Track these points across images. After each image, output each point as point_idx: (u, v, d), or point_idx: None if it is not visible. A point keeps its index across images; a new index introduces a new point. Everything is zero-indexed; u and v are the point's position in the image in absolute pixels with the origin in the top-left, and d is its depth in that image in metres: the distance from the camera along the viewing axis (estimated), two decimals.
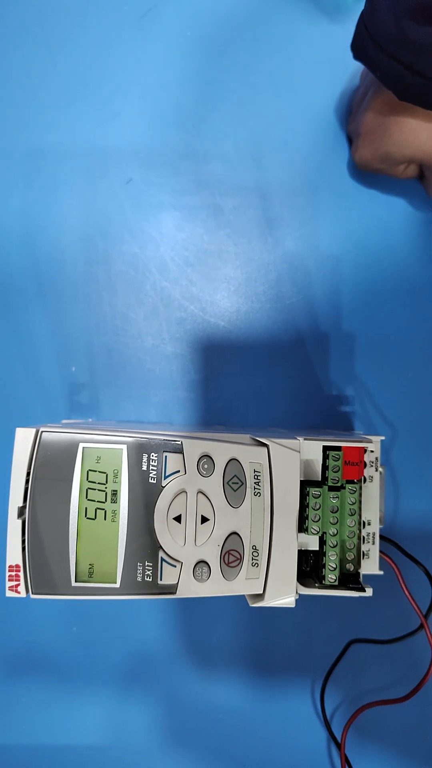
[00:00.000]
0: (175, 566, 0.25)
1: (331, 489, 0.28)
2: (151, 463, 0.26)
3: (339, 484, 0.28)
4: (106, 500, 0.25)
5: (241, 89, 0.43)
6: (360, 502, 0.29)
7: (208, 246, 0.43)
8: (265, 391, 0.42)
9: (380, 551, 0.31)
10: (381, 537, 0.31)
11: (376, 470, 0.31)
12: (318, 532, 0.27)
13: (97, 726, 0.41)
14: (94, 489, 0.25)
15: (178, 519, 0.25)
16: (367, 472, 0.30)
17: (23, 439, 0.25)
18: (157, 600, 0.40)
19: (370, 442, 0.29)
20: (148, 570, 0.25)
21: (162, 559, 0.25)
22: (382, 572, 0.30)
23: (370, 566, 0.30)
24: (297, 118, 0.43)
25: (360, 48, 0.34)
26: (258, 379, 0.42)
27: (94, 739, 0.40)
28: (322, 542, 0.28)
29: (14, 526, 0.25)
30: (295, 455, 0.26)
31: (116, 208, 0.43)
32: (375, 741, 0.40)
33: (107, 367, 0.42)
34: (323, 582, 0.27)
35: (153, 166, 0.43)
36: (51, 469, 0.25)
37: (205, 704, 0.40)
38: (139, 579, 0.25)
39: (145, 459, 0.26)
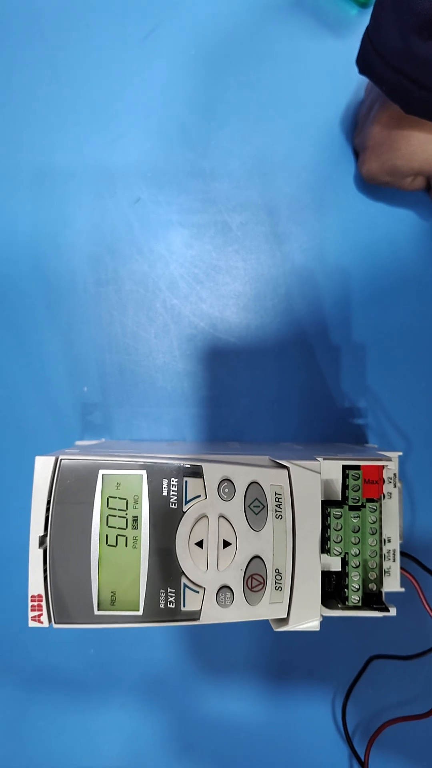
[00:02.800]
0: (198, 592, 0.25)
1: (352, 508, 0.28)
2: (171, 488, 0.25)
3: (359, 503, 0.28)
4: (127, 527, 0.25)
5: (245, 106, 0.43)
6: (380, 520, 0.28)
7: (217, 263, 0.43)
8: (278, 405, 0.42)
9: (401, 567, 0.30)
10: (401, 553, 0.31)
11: (395, 486, 0.31)
12: (340, 553, 0.27)
13: (116, 747, 0.40)
14: (115, 516, 0.25)
15: (200, 544, 0.25)
16: (386, 488, 0.30)
17: (42, 467, 0.25)
18: None
19: (389, 459, 0.29)
20: (171, 596, 0.25)
21: (185, 585, 0.25)
22: (403, 589, 0.30)
23: (392, 584, 0.30)
24: (302, 133, 0.43)
25: (365, 63, 0.34)
26: (270, 394, 0.42)
27: (113, 760, 0.40)
28: (344, 563, 0.28)
29: (35, 555, 0.25)
30: (316, 477, 0.26)
31: (125, 228, 0.43)
32: (398, 757, 0.39)
33: (119, 386, 0.42)
34: (346, 603, 0.27)
35: (160, 185, 0.43)
36: (71, 496, 0.25)
37: (224, 723, 0.40)
38: (161, 606, 0.25)
39: (165, 484, 0.26)
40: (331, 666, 0.40)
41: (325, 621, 0.27)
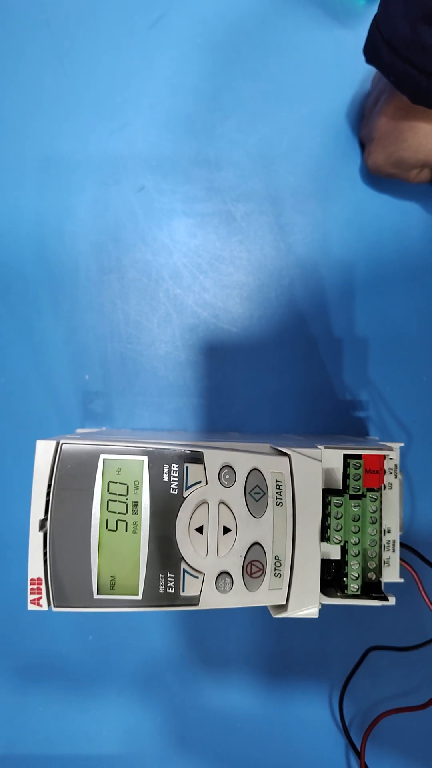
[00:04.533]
0: (197, 577, 0.25)
1: (352, 497, 0.28)
2: (172, 474, 0.25)
3: (360, 493, 0.28)
4: (127, 512, 0.25)
5: (251, 96, 0.43)
6: (381, 510, 0.28)
7: (221, 253, 0.43)
8: (279, 396, 0.42)
9: (400, 558, 0.30)
10: (400, 544, 0.31)
11: (396, 477, 0.31)
12: (340, 542, 0.27)
13: (114, 735, 0.40)
14: (115, 500, 0.25)
15: (200, 530, 0.25)
16: (387, 479, 0.30)
17: (44, 451, 0.25)
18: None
19: (390, 449, 0.29)
20: (170, 581, 0.25)
21: (184, 571, 0.25)
22: (402, 580, 0.30)
23: (391, 574, 0.30)
24: (308, 124, 0.43)
25: (373, 52, 0.33)
26: (271, 385, 0.42)
27: (110, 748, 0.40)
28: (344, 551, 0.28)
29: (36, 538, 0.25)
30: (317, 464, 0.26)
31: (129, 216, 0.43)
32: (394, 748, 0.39)
33: (121, 374, 0.42)
34: (345, 591, 0.27)
35: (165, 174, 0.43)
36: (72, 481, 0.25)
37: (221, 712, 0.40)
38: (161, 591, 0.25)
39: (166, 470, 0.26)
40: (329, 657, 0.40)
41: (324, 612, 0.27)
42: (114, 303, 0.42)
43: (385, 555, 0.30)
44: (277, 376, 0.42)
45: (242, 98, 0.43)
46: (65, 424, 0.42)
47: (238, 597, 0.25)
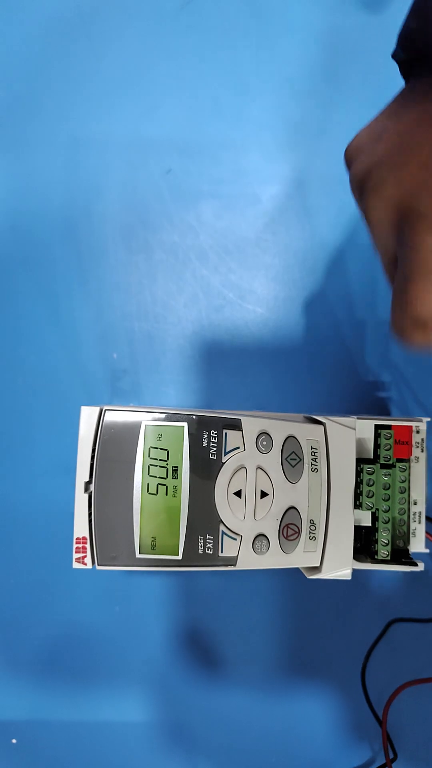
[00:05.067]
0: (235, 539, 0.26)
1: (383, 467, 0.28)
2: (211, 439, 0.26)
3: (390, 462, 0.28)
4: (167, 476, 0.26)
5: (277, 79, 0.44)
6: (409, 480, 0.29)
7: (247, 234, 0.44)
8: (303, 376, 0.43)
9: (426, 532, 0.31)
10: (427, 518, 0.32)
11: (422, 451, 0.32)
12: (372, 508, 0.28)
13: (142, 703, 0.41)
14: (156, 465, 0.26)
15: (238, 494, 0.26)
16: (414, 452, 0.31)
17: (88, 417, 0.26)
18: (196, 581, 0.41)
19: (420, 421, 0.29)
20: (209, 543, 0.26)
21: (222, 533, 0.26)
22: (428, 550, 0.31)
23: (417, 545, 0.31)
24: (334, 108, 0.43)
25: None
26: (295, 365, 0.43)
27: (138, 715, 0.41)
28: (374, 518, 0.28)
29: (81, 500, 0.26)
30: (351, 432, 0.27)
31: (156, 198, 0.43)
32: (416, 719, 0.40)
33: (148, 353, 0.43)
34: (375, 557, 0.28)
35: (192, 156, 0.44)
36: (114, 446, 0.26)
37: (247, 680, 0.41)
38: (200, 551, 0.26)
39: (205, 436, 0.26)
40: (352, 629, 0.41)
41: (345, 584, 0.27)
42: (141, 283, 0.43)
43: (411, 526, 0.31)
44: (302, 357, 0.43)
45: (269, 81, 0.44)
46: (93, 401, 0.43)
47: (275, 558, 0.26)
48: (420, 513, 0.31)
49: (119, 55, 0.44)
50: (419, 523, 0.31)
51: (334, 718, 0.41)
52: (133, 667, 0.42)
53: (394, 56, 0.22)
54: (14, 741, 0.41)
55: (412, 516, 0.31)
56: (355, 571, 0.28)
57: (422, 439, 0.32)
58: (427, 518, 0.33)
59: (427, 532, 0.32)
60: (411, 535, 0.31)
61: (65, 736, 0.41)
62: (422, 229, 0.19)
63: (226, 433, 0.26)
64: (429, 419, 0.32)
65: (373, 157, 0.21)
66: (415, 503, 0.31)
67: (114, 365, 0.43)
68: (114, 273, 0.43)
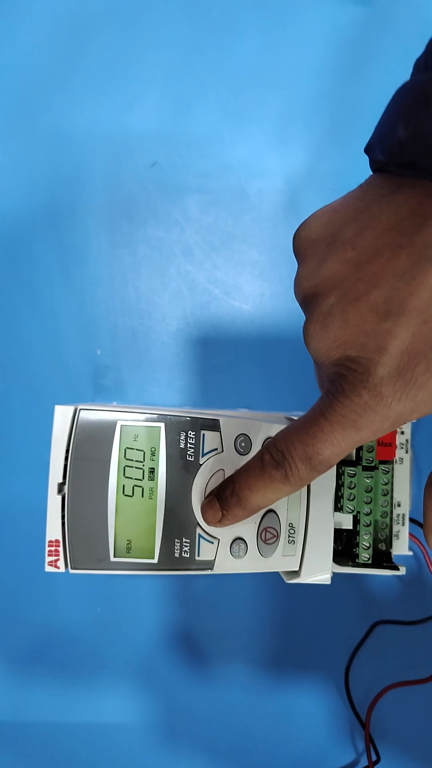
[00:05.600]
0: (212, 542, 0.25)
1: (365, 469, 0.28)
2: (188, 441, 0.26)
3: (373, 464, 0.28)
4: (143, 478, 0.26)
5: (266, 70, 0.43)
6: (392, 482, 0.29)
7: (233, 230, 0.43)
8: (290, 374, 0.42)
9: (409, 533, 0.31)
10: (410, 519, 0.31)
11: (406, 452, 0.31)
12: (353, 511, 0.27)
13: (121, 704, 0.41)
14: (132, 467, 0.26)
15: None
16: (398, 453, 0.31)
17: (62, 416, 0.26)
18: (182, 582, 0.41)
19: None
20: (186, 546, 0.25)
21: (199, 536, 0.25)
22: (411, 553, 0.31)
23: (400, 547, 0.30)
24: (323, 102, 0.43)
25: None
26: (282, 363, 0.42)
27: (117, 717, 0.41)
28: (356, 521, 0.28)
29: (54, 501, 0.25)
30: None
31: (141, 191, 0.43)
32: (398, 721, 0.40)
33: (132, 350, 0.42)
34: (357, 561, 0.28)
35: (178, 149, 0.43)
36: (89, 446, 0.25)
37: (229, 682, 0.41)
38: (176, 555, 0.25)
39: (182, 437, 0.26)
40: (336, 631, 0.41)
41: (331, 586, 0.27)
42: (125, 278, 0.43)
43: (395, 528, 0.30)
44: (288, 354, 0.42)
45: (257, 73, 0.43)
46: (76, 399, 0.42)
47: (252, 562, 0.26)
48: (404, 515, 0.31)
49: (104, 44, 0.43)
50: (402, 525, 0.31)
51: (318, 719, 0.40)
52: (114, 667, 0.41)
53: (369, 154, 0.20)
54: None
55: (395, 518, 0.30)
56: (338, 574, 0.28)
57: (407, 440, 0.31)
58: (411, 520, 0.32)
59: (410, 534, 0.31)
60: (394, 538, 0.30)
61: (45, 735, 0.41)
62: (358, 383, 0.18)
63: (203, 434, 0.26)
64: (413, 420, 0.32)
65: (321, 268, 0.19)
66: (399, 505, 0.31)
67: (97, 362, 0.42)
68: (97, 267, 0.42)
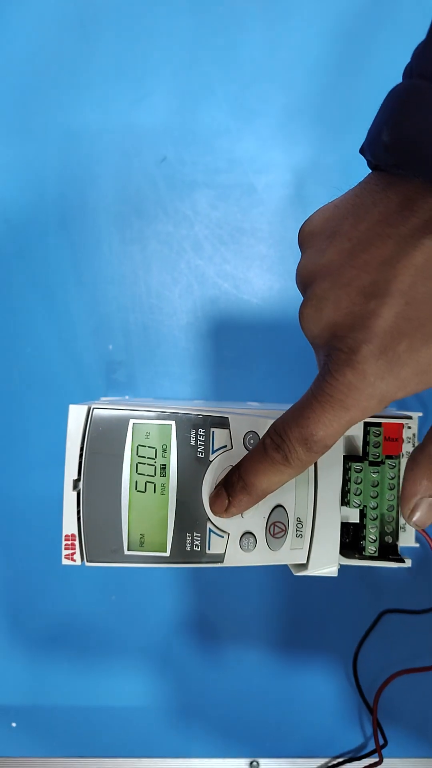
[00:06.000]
0: (222, 537, 0.26)
1: (372, 464, 0.28)
2: (199, 438, 0.26)
3: (379, 459, 0.28)
4: (155, 474, 0.26)
5: (273, 65, 0.43)
6: (399, 476, 0.29)
7: (242, 224, 0.43)
8: (298, 367, 0.43)
9: None
10: None
11: (413, 446, 0.32)
12: (359, 506, 0.28)
13: (136, 689, 0.42)
14: (144, 463, 0.26)
15: None
16: (405, 447, 0.31)
17: (76, 415, 0.26)
18: (194, 572, 0.42)
19: (409, 418, 0.29)
20: (197, 540, 0.26)
21: (210, 530, 0.26)
22: (418, 545, 0.31)
23: (407, 539, 0.31)
24: (329, 95, 0.43)
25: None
26: (291, 356, 0.43)
27: (132, 701, 0.42)
28: (363, 515, 0.29)
29: (70, 497, 0.26)
30: None
31: (150, 187, 0.43)
32: (405, 707, 0.41)
33: (143, 345, 0.43)
34: (363, 553, 0.28)
35: (186, 145, 0.43)
36: (103, 444, 0.26)
37: (239, 669, 0.42)
38: (188, 548, 0.26)
39: (193, 434, 0.26)
40: (344, 619, 0.42)
41: (340, 576, 0.28)
42: (136, 274, 0.43)
43: (401, 521, 0.31)
44: (297, 347, 0.43)
45: (264, 67, 0.43)
46: (89, 394, 0.43)
47: (261, 555, 0.26)
48: None
49: (112, 41, 0.43)
50: None
51: (327, 704, 0.42)
52: (130, 653, 0.42)
53: (363, 156, 0.21)
54: (14, 725, 0.42)
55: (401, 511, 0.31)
56: (346, 565, 0.28)
57: (414, 434, 0.32)
58: None
59: None
60: (400, 530, 0.31)
61: (64, 719, 0.42)
62: (343, 363, 0.19)
63: (213, 432, 0.26)
64: (420, 414, 0.32)
65: (321, 258, 0.21)
66: None
67: (109, 357, 0.43)
68: (108, 264, 0.43)
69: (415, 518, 0.23)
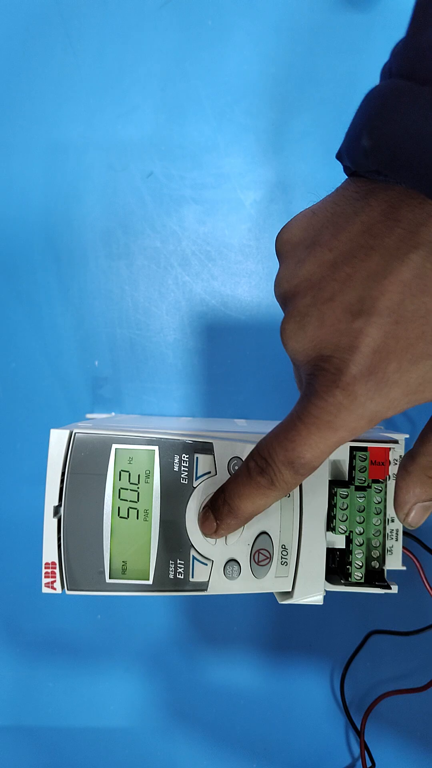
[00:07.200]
0: (206, 564, 0.26)
1: (358, 489, 0.28)
2: (182, 464, 0.26)
3: (365, 484, 0.28)
4: (138, 500, 0.26)
5: (261, 80, 0.43)
6: (385, 500, 0.29)
7: (230, 240, 0.43)
8: (286, 384, 0.43)
9: (403, 546, 0.31)
10: (403, 533, 0.32)
11: None
12: (345, 532, 0.28)
13: (120, 709, 0.42)
14: (127, 489, 0.26)
15: None
16: (392, 470, 0.31)
17: (57, 440, 0.26)
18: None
19: (395, 442, 0.29)
20: (180, 567, 0.26)
21: (193, 558, 0.26)
22: (405, 568, 0.31)
23: (394, 562, 0.31)
24: (319, 110, 0.43)
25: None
26: (279, 373, 0.43)
27: (118, 720, 0.42)
28: (349, 541, 0.28)
29: (50, 524, 0.25)
30: None
31: (137, 202, 0.43)
32: (393, 729, 0.41)
33: (130, 361, 0.43)
34: (349, 579, 0.28)
35: (174, 159, 0.43)
36: (85, 469, 0.26)
37: (225, 690, 0.41)
38: (171, 576, 0.26)
39: (176, 460, 0.26)
40: (332, 640, 0.41)
41: (327, 596, 0.27)
42: (123, 289, 0.43)
43: (388, 543, 0.31)
44: (285, 365, 0.42)
45: (252, 82, 0.43)
46: (75, 409, 0.42)
47: (246, 583, 0.26)
48: (397, 530, 0.31)
49: (99, 54, 0.43)
50: (396, 540, 0.31)
51: (314, 725, 0.41)
52: (115, 672, 0.42)
53: (341, 161, 0.20)
54: None
55: (388, 534, 0.31)
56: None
57: (400, 456, 0.31)
58: (405, 533, 0.33)
59: (404, 547, 0.31)
60: (387, 553, 0.30)
61: (49, 738, 0.41)
62: (330, 383, 0.19)
63: (197, 458, 0.26)
64: (407, 436, 0.32)
65: (300, 269, 0.20)
66: (392, 520, 0.31)
67: (95, 373, 0.43)
68: (95, 279, 0.43)
69: (409, 519, 0.23)
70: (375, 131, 0.17)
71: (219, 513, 0.24)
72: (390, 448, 0.29)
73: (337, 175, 0.42)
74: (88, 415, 0.41)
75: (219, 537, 0.25)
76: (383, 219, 0.18)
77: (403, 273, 0.17)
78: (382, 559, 0.29)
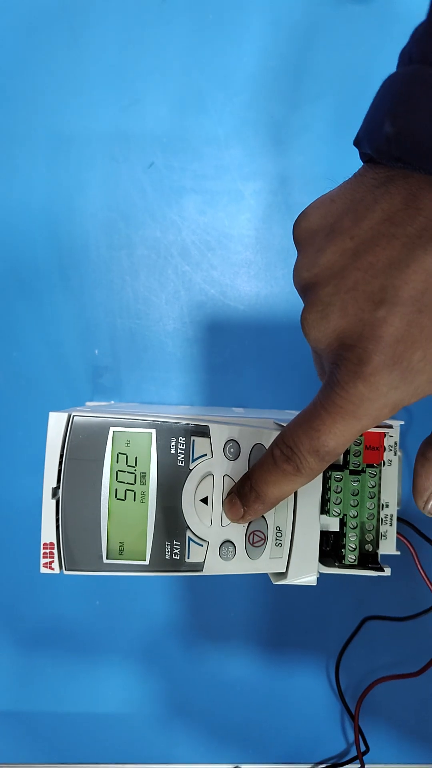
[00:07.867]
0: (201, 545, 0.26)
1: (352, 473, 0.29)
2: (179, 446, 0.27)
3: (360, 468, 0.29)
4: (135, 482, 0.26)
5: (262, 74, 0.43)
6: (379, 485, 0.29)
7: (229, 231, 0.43)
8: (284, 373, 0.43)
9: (397, 532, 0.31)
10: (398, 519, 0.32)
11: (395, 454, 0.32)
12: (339, 514, 0.28)
13: (119, 695, 0.42)
14: (124, 471, 0.26)
15: (204, 501, 0.26)
16: (386, 456, 0.31)
17: (56, 423, 0.26)
18: (178, 577, 0.42)
19: (390, 427, 0.29)
20: (176, 548, 0.26)
21: (189, 539, 0.26)
22: (399, 552, 0.31)
23: (388, 547, 0.31)
24: (318, 103, 0.43)
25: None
26: (277, 362, 0.43)
27: (116, 707, 0.42)
28: (343, 524, 0.29)
29: (48, 505, 0.26)
30: None
31: (138, 193, 0.43)
32: (388, 713, 0.41)
33: (130, 350, 0.43)
34: (343, 562, 0.28)
35: (174, 151, 0.43)
36: (83, 451, 0.26)
37: (222, 676, 0.42)
38: (167, 557, 0.26)
39: (173, 443, 0.27)
40: (327, 626, 0.42)
41: (323, 583, 0.28)
42: (123, 279, 0.43)
43: (382, 528, 0.31)
44: (282, 354, 0.43)
45: (253, 75, 0.43)
46: (75, 398, 0.43)
47: (240, 564, 0.26)
48: (391, 516, 0.32)
49: (101, 47, 0.43)
50: (390, 525, 0.31)
51: (309, 711, 0.42)
52: (113, 659, 0.42)
53: (358, 147, 0.20)
54: None
55: (382, 519, 0.31)
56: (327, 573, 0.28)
57: (395, 443, 0.32)
58: (400, 519, 0.33)
59: (399, 533, 0.32)
60: (381, 538, 0.31)
61: (47, 725, 0.42)
62: (353, 373, 0.19)
63: (193, 440, 0.27)
64: (402, 423, 0.32)
65: (320, 257, 0.19)
66: (387, 506, 0.31)
67: (95, 362, 0.43)
68: (96, 269, 0.43)
69: (429, 507, 0.24)
70: (399, 118, 0.17)
71: (246, 499, 0.25)
72: (384, 434, 0.29)
73: (335, 167, 0.43)
74: (88, 403, 0.42)
75: (245, 522, 0.26)
76: (404, 207, 0.18)
77: (426, 261, 0.17)
78: (375, 543, 0.29)
